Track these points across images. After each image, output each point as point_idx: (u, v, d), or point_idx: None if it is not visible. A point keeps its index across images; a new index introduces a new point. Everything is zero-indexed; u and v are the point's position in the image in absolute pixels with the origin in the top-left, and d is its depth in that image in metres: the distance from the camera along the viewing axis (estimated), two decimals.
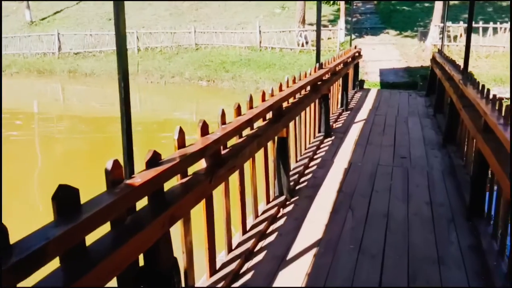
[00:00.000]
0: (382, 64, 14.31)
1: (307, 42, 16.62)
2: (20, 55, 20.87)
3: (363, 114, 7.03)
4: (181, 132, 2.01)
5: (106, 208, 1.38)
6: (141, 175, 1.62)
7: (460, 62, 5.88)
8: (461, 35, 15.21)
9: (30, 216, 5.26)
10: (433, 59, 8.51)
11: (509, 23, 14.51)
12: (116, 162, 1.52)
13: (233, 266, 2.52)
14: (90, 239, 1.41)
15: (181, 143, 2.01)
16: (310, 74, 4.85)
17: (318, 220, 3.19)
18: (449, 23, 14.36)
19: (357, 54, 9.34)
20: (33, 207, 6.02)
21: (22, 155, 8.93)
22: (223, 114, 2.49)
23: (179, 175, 2.00)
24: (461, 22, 15.48)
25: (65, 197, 1.29)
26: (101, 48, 19.31)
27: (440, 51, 8.37)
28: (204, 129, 2.23)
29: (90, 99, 15.58)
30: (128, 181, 1.55)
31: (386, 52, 15.92)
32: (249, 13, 20.80)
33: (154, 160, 1.75)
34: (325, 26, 18.24)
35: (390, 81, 12.71)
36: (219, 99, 13.99)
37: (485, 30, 14.74)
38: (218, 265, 2.50)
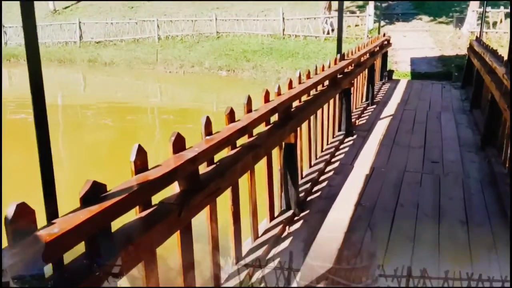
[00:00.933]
0: (413, 52, 13.37)
1: (333, 30, 15.80)
2: (42, 44, 20.87)
3: (390, 109, 6.41)
4: (141, 151, 1.55)
5: None
6: (63, 221, 1.17)
7: (501, 51, 5.18)
8: (501, 21, 14.08)
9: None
10: (470, 48, 7.76)
11: None
12: (22, 206, 1.07)
13: None
14: None
15: (141, 165, 1.55)
16: (329, 67, 4.29)
17: (329, 243, 2.69)
18: (488, 8, 13.25)
19: (385, 42, 8.63)
20: None
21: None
22: (207, 123, 2.01)
23: (137, 207, 1.54)
24: (502, 7, 14.31)
25: None
26: (122, 36, 19.09)
27: (479, 39, 7.57)
28: (178, 144, 1.75)
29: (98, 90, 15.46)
30: (40, 232, 1.11)
31: (419, 40, 14.92)
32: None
33: (93, 194, 1.30)
34: (352, 12, 17.34)
35: (422, 71, 11.85)
36: (239, 89, 13.51)
37: None
38: None
